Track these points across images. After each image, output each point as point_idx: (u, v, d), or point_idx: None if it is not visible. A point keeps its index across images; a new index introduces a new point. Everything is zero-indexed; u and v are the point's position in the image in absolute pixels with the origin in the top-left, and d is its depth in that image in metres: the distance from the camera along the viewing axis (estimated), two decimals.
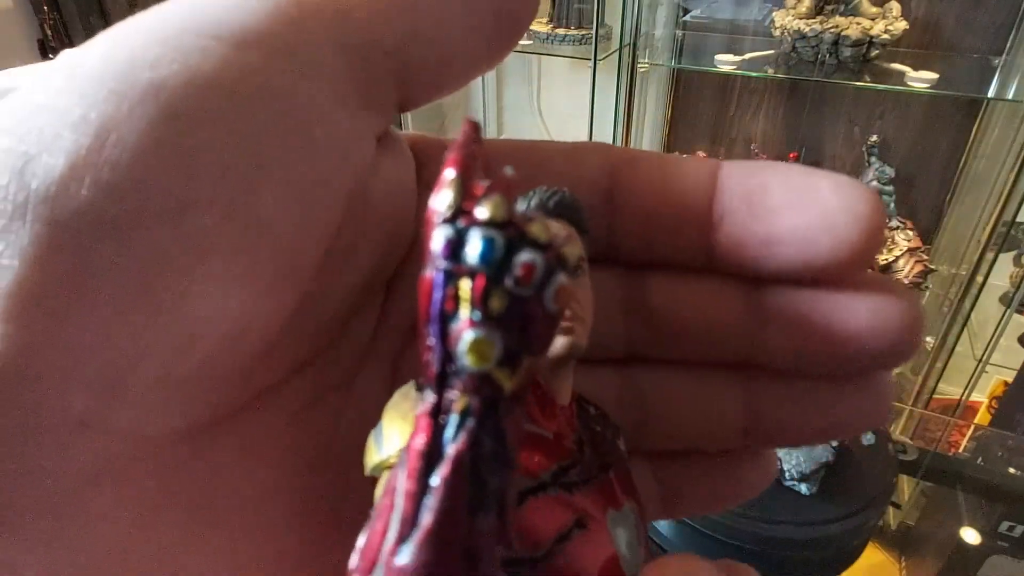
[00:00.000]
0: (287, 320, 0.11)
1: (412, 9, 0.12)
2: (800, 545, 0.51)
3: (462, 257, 0.07)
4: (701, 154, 1.42)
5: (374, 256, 0.14)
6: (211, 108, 0.10)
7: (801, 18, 1.14)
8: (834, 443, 0.50)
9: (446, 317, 0.07)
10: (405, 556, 0.07)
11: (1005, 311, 1.15)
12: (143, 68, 0.09)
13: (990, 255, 1.10)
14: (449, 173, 0.07)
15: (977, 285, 1.12)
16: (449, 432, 0.07)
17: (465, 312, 0.07)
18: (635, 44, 1.22)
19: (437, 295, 0.07)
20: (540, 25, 1.39)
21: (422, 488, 0.07)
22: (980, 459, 0.71)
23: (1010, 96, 1.09)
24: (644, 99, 1.39)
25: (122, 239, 0.09)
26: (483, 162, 0.08)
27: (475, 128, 0.09)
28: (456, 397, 0.07)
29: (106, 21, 1.67)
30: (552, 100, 1.64)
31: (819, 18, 1.14)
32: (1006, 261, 1.18)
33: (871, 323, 0.13)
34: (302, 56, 0.11)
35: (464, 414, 0.07)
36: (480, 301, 0.07)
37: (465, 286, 0.07)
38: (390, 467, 0.10)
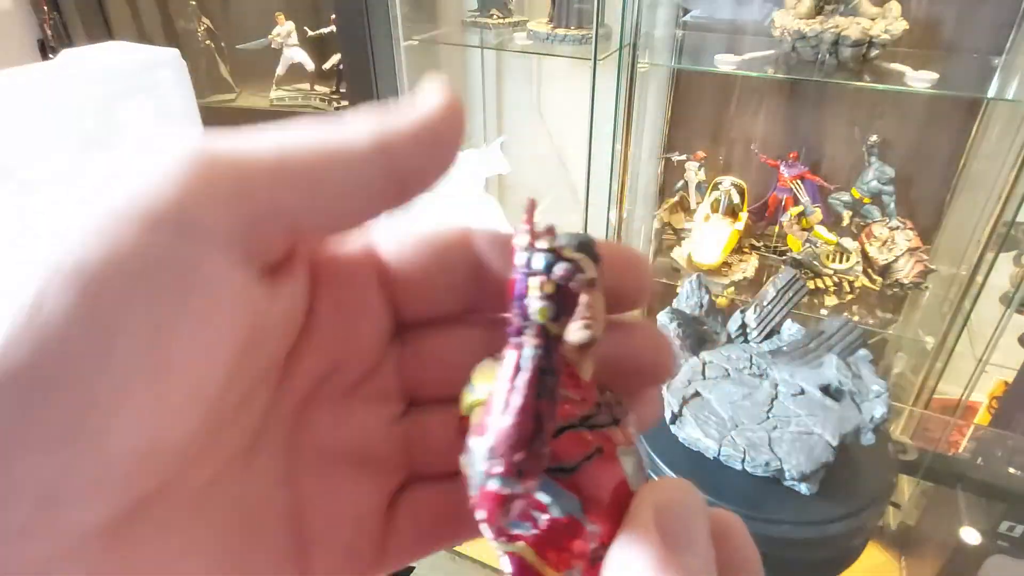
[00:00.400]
0: (194, 433, 0.14)
1: (311, 179, 0.15)
2: (800, 545, 0.51)
3: (531, 267, 0.12)
4: (701, 154, 1.43)
5: (270, 359, 0.16)
6: (125, 282, 0.12)
7: (801, 18, 1.14)
8: (834, 443, 0.50)
9: (523, 297, 0.12)
10: (507, 418, 0.12)
11: (1005, 311, 1.15)
12: (70, 251, 0.12)
13: (990, 255, 1.10)
14: (522, 227, 0.12)
15: (977, 285, 1.12)
16: (527, 354, 0.12)
17: (535, 294, 0.12)
18: (635, 44, 1.22)
19: (520, 286, 0.12)
20: (540, 25, 1.39)
21: (512, 386, 0.12)
22: (980, 459, 0.71)
23: (1010, 96, 1.09)
24: (644, 99, 1.39)
25: (53, 391, 0.12)
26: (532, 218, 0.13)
27: (532, 204, 0.14)
28: (528, 340, 0.12)
29: (106, 21, 1.67)
30: (552, 100, 1.64)
31: (819, 18, 1.14)
32: (1006, 261, 1.18)
33: (640, 355, 0.18)
34: (205, 228, 0.13)
35: (535, 347, 0.12)
36: (541, 288, 0.12)
37: (533, 281, 0.12)
38: (481, 404, 0.15)
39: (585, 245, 0.17)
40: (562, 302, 0.12)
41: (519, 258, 0.12)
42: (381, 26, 1.42)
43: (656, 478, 0.16)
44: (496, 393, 0.13)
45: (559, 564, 0.15)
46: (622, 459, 0.16)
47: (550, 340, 0.12)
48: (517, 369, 0.12)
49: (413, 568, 0.59)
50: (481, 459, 0.13)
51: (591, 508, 0.15)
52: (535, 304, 0.12)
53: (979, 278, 1.12)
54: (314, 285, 0.17)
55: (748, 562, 0.17)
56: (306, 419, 0.18)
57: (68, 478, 0.12)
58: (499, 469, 0.12)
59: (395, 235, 0.19)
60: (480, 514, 0.13)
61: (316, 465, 0.18)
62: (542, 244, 0.12)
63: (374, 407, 0.19)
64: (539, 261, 0.12)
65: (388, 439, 0.19)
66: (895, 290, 1.28)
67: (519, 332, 0.12)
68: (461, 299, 0.19)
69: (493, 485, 0.12)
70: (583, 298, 0.13)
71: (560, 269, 0.12)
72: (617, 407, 0.17)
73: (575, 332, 0.16)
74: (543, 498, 0.15)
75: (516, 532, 0.15)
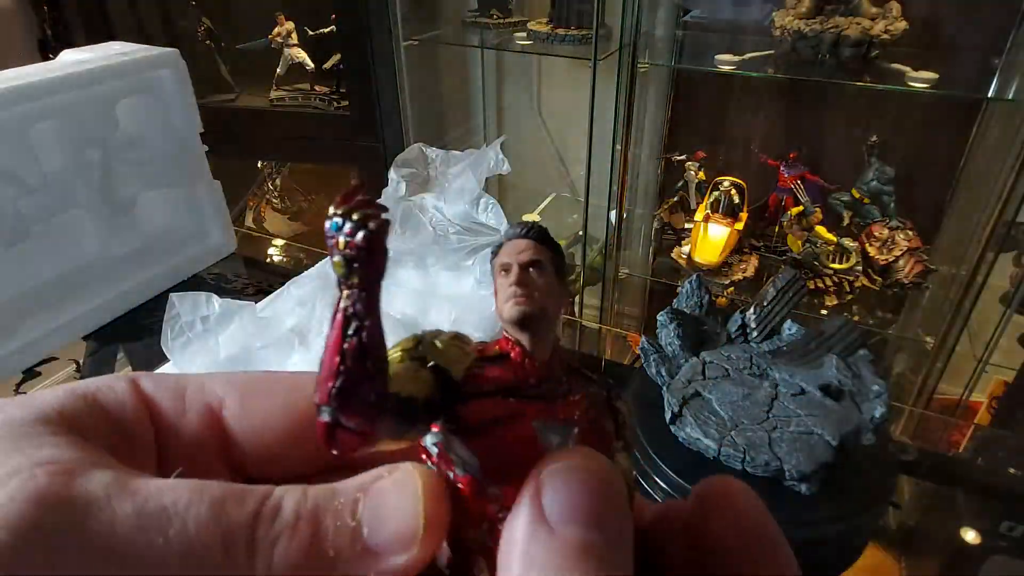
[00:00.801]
0: None
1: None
2: (800, 545, 0.51)
3: (328, 231, 0.14)
4: (701, 154, 1.43)
5: None
6: None
7: (801, 18, 1.14)
8: (834, 443, 0.50)
9: (330, 257, 0.14)
10: (323, 355, 0.14)
11: (1005, 311, 1.15)
12: None
13: (990, 255, 1.10)
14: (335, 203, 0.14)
15: (977, 285, 1.12)
16: (338, 302, 0.14)
17: (333, 252, 0.13)
18: (635, 44, 1.22)
19: (328, 248, 0.14)
20: (540, 25, 1.39)
21: (329, 329, 0.14)
22: (980, 459, 0.71)
23: (1010, 96, 1.09)
24: (644, 99, 1.39)
25: None
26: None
27: (359, 184, 0.14)
28: (337, 292, 0.14)
29: (106, 21, 1.67)
30: (552, 100, 1.64)
31: (819, 18, 1.14)
32: (1006, 261, 1.18)
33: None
34: None
35: (341, 296, 0.14)
36: (336, 246, 0.13)
37: (330, 242, 0.14)
38: None
39: (540, 231, 0.18)
40: (355, 256, 0.13)
41: (325, 225, 0.14)
42: (381, 26, 1.42)
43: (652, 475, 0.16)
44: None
45: (471, 522, 0.16)
46: (542, 430, 0.16)
47: (353, 290, 0.13)
48: (334, 315, 0.14)
49: None
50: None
51: (492, 471, 0.16)
52: (333, 259, 0.13)
53: (979, 278, 1.12)
54: (159, 460, 0.17)
55: (755, 529, 0.16)
56: None
57: None
58: (316, 398, 0.14)
59: (244, 403, 0.18)
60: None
61: None
62: (336, 211, 0.13)
63: None
64: (331, 225, 0.13)
65: None
66: (895, 290, 1.28)
67: (337, 286, 0.14)
68: (312, 462, 0.19)
69: (319, 415, 0.14)
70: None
71: (347, 227, 0.13)
72: (582, 393, 0.18)
73: (504, 310, 0.17)
74: (452, 456, 0.16)
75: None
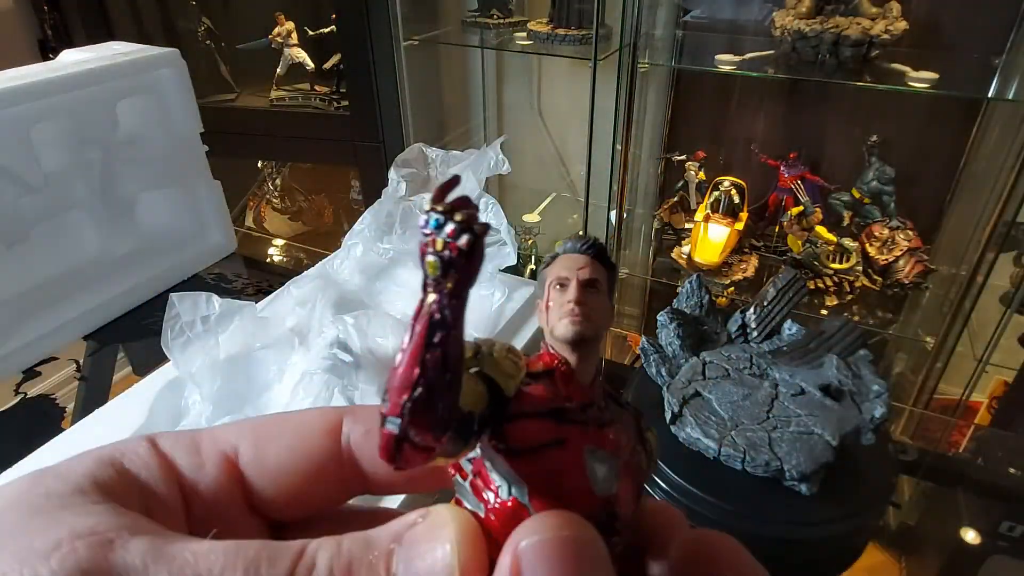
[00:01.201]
0: None
1: None
2: (800, 545, 0.51)
3: (426, 227, 0.13)
4: (701, 154, 1.43)
5: None
6: None
7: (801, 18, 1.14)
8: (834, 443, 0.50)
9: (422, 256, 0.13)
10: (398, 363, 0.13)
11: (1005, 311, 1.15)
12: None
13: (990, 255, 1.10)
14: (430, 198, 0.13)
15: (977, 285, 1.12)
16: (425, 307, 0.13)
17: (428, 251, 0.13)
18: (635, 44, 1.22)
19: (420, 245, 0.13)
20: (540, 25, 1.39)
21: (409, 335, 0.13)
22: (980, 459, 0.71)
23: (1010, 96, 1.09)
24: (644, 99, 1.39)
25: None
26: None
27: (454, 180, 0.14)
28: (424, 294, 0.13)
29: (106, 21, 1.67)
30: (552, 100, 1.64)
31: (819, 18, 1.14)
32: (1006, 261, 1.18)
33: None
34: None
35: (428, 300, 0.13)
36: (432, 245, 0.13)
37: (426, 240, 0.13)
38: None
39: (598, 247, 0.18)
40: (453, 258, 0.12)
41: (420, 221, 0.13)
42: (381, 26, 1.42)
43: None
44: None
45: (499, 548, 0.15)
46: (587, 457, 0.16)
47: (443, 295, 0.12)
48: (415, 319, 0.13)
49: None
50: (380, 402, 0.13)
51: (536, 495, 0.15)
52: (427, 259, 0.12)
53: (979, 278, 1.12)
54: (187, 515, 0.18)
55: None
56: None
57: None
58: (384, 409, 0.13)
59: (257, 449, 0.19)
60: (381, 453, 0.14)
61: None
62: (437, 207, 0.13)
63: None
64: (431, 222, 0.12)
65: None
66: (895, 290, 1.28)
67: (423, 289, 0.13)
68: (334, 497, 0.19)
69: (385, 425, 0.13)
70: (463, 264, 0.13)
71: (448, 227, 0.12)
72: (618, 418, 0.17)
73: (558, 327, 0.16)
74: (494, 477, 0.15)
75: (467, 507, 0.16)
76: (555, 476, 0.15)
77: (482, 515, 0.16)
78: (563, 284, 0.17)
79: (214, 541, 0.14)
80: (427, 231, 0.13)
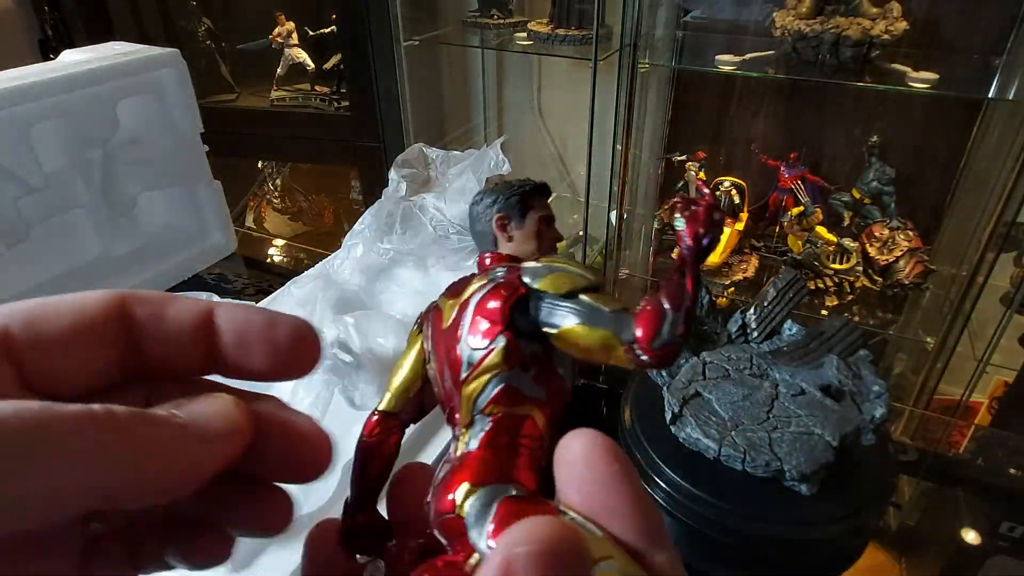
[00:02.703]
0: None
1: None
2: (800, 545, 0.51)
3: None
4: (701, 154, 1.43)
5: None
6: None
7: (802, 18, 1.14)
8: (834, 443, 0.50)
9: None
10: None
11: (1005, 311, 1.15)
12: None
13: (990, 255, 1.10)
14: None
15: (977, 285, 1.12)
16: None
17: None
18: (635, 44, 1.22)
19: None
20: (540, 26, 1.39)
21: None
22: (980, 459, 0.71)
23: (1010, 96, 1.09)
24: (644, 99, 1.39)
25: None
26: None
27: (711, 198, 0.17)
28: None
29: (107, 21, 1.67)
30: (552, 100, 1.64)
31: (819, 18, 1.14)
32: (1006, 261, 1.18)
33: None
34: None
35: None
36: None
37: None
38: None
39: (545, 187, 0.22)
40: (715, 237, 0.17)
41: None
42: (381, 26, 1.42)
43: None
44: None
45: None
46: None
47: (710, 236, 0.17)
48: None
49: None
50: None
51: None
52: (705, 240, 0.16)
53: (979, 278, 1.12)
54: None
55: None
56: None
57: None
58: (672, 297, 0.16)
59: (29, 327, 0.19)
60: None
61: None
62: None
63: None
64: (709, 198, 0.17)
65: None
66: (895, 290, 1.28)
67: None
68: (104, 375, 0.19)
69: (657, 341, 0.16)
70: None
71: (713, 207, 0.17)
72: None
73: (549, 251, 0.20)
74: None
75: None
76: None
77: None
78: (549, 223, 0.20)
79: None
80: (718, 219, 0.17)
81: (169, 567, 0.20)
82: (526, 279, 0.18)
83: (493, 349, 0.18)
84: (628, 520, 0.15)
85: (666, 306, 0.16)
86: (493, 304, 0.18)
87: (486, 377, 0.18)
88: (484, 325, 0.18)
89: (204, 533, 0.20)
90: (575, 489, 0.16)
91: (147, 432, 0.16)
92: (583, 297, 0.17)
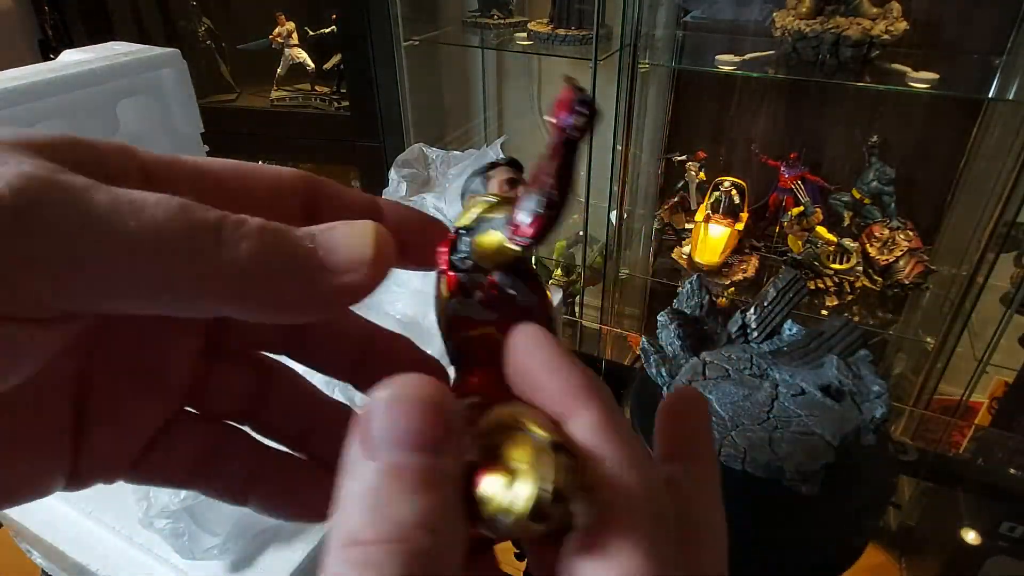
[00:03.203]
0: None
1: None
2: (800, 545, 0.51)
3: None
4: (701, 154, 1.43)
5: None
6: None
7: (802, 18, 1.14)
8: (834, 443, 0.50)
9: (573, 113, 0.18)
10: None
11: (1005, 311, 1.15)
12: None
13: (990, 255, 1.10)
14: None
15: (977, 285, 1.12)
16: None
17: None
18: (635, 44, 1.22)
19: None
20: (540, 26, 1.39)
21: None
22: (980, 459, 0.71)
23: (1010, 96, 1.09)
24: (644, 99, 1.39)
25: None
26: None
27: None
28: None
29: (107, 21, 1.67)
30: (552, 100, 1.64)
31: (820, 18, 1.14)
32: (1006, 261, 1.18)
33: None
34: None
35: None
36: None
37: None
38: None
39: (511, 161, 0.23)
40: (589, 121, 0.18)
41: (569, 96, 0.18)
42: (381, 26, 1.42)
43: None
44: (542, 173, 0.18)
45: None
46: None
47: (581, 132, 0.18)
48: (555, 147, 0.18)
49: None
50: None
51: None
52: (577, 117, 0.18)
53: (979, 278, 1.12)
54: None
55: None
56: (107, 327, 0.19)
57: None
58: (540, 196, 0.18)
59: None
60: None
61: (107, 367, 0.19)
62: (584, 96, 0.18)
63: (175, 336, 0.20)
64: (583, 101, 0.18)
65: (181, 369, 0.20)
66: (895, 290, 1.28)
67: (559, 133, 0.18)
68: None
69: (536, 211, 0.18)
70: None
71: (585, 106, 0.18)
72: None
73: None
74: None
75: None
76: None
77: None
78: (512, 183, 0.21)
79: (158, 193, 0.15)
80: (581, 109, 0.17)
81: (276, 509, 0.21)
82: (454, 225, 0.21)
83: (440, 284, 0.20)
84: (545, 393, 0.16)
85: (530, 188, 0.18)
86: (440, 251, 0.21)
87: (440, 308, 0.21)
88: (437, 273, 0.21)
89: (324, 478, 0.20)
90: (513, 379, 0.17)
91: (274, 242, 0.16)
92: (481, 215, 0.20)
